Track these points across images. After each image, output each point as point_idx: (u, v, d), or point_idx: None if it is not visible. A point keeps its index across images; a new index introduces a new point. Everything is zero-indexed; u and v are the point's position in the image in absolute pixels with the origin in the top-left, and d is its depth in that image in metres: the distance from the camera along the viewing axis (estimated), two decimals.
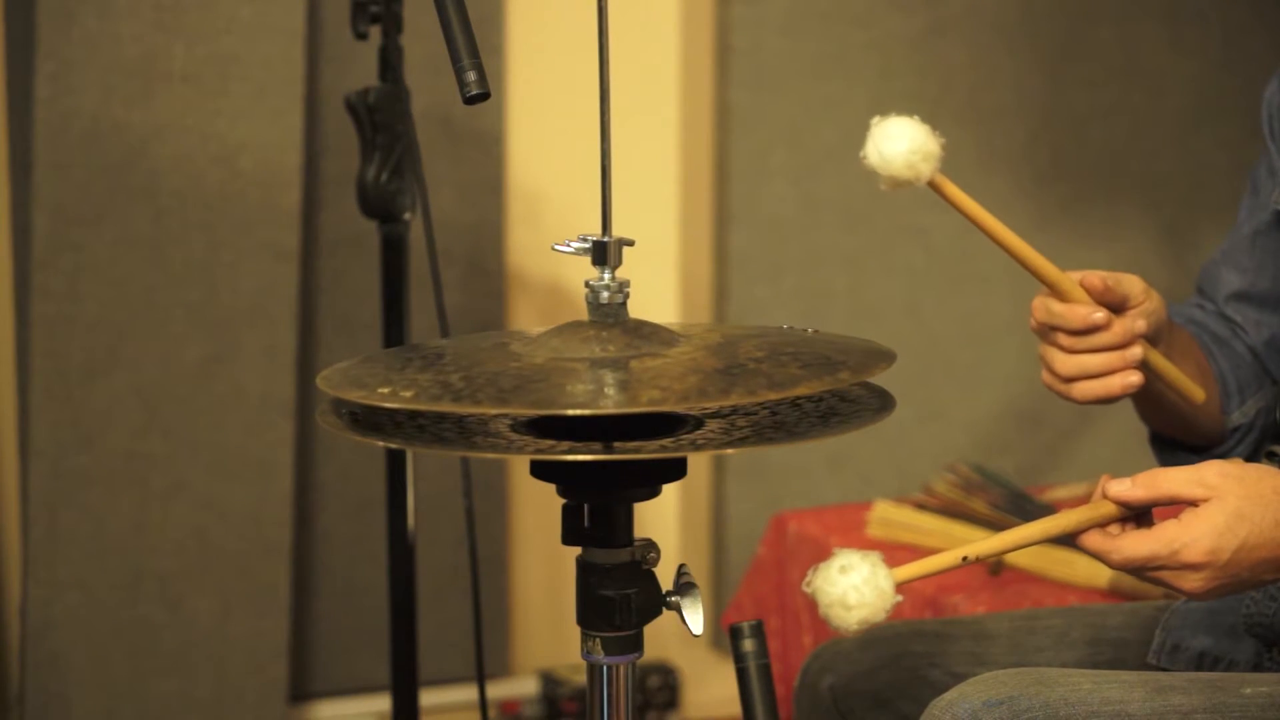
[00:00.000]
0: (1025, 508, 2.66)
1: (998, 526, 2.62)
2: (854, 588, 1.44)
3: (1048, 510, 2.64)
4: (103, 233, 2.81)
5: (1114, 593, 2.47)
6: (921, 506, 2.74)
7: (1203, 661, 1.79)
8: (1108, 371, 1.71)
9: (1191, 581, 1.50)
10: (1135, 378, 1.71)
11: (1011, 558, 2.55)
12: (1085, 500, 1.56)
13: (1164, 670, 1.78)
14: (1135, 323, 1.71)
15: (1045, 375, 1.75)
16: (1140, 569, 1.51)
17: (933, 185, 1.60)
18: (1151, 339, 1.74)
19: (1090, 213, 3.48)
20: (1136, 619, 1.87)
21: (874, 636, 1.88)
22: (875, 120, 1.57)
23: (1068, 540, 1.56)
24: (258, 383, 2.90)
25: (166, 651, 2.90)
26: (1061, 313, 1.70)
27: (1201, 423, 1.85)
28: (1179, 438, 1.89)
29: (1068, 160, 3.45)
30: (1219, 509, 1.49)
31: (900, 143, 1.56)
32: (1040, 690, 1.55)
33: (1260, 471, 1.51)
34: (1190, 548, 1.48)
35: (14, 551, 2.93)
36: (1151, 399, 1.82)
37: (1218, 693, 1.57)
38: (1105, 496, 1.53)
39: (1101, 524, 1.53)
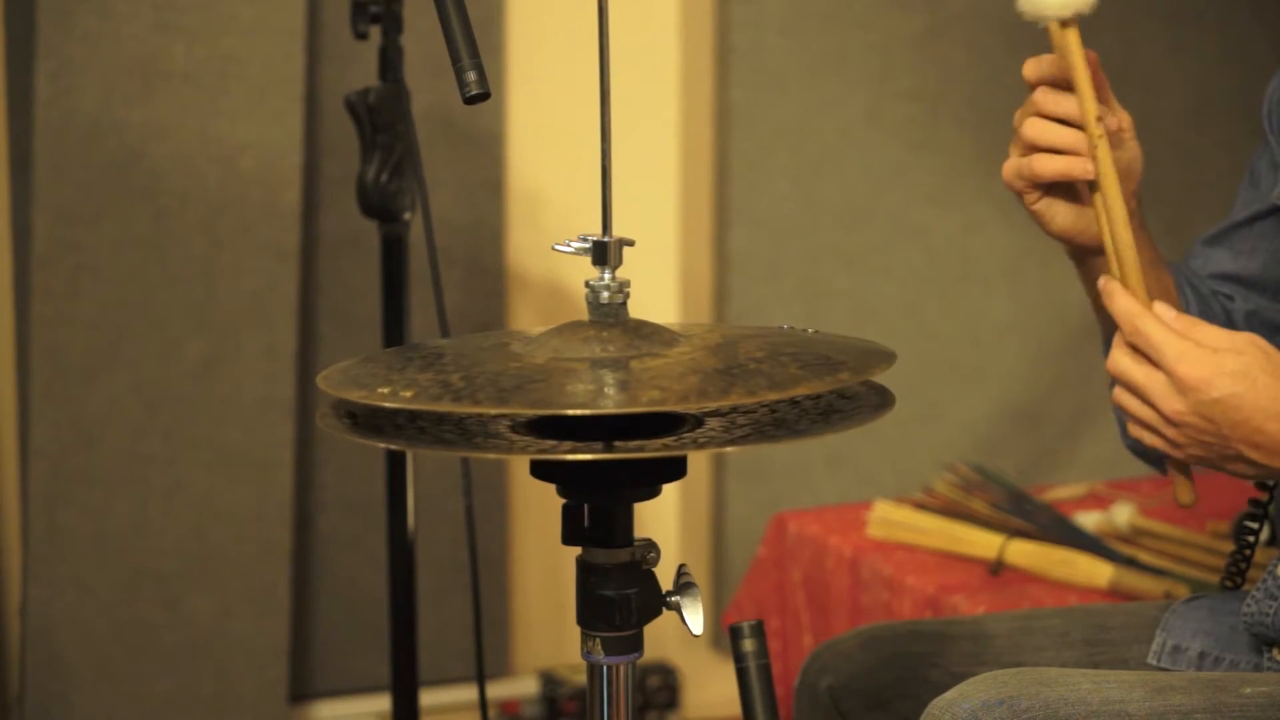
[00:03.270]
0: (1025, 508, 2.65)
1: (998, 526, 2.62)
2: None
3: (1048, 510, 2.64)
4: (103, 233, 2.81)
5: (1114, 593, 2.46)
6: (921, 506, 2.73)
7: (1203, 662, 1.79)
8: (1071, 151, 1.69)
9: (1173, 401, 1.51)
10: (1094, 169, 1.68)
11: (1011, 558, 2.54)
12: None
13: (1164, 670, 1.78)
14: (1110, 120, 1.70)
15: (1007, 166, 1.74)
16: (1145, 351, 1.52)
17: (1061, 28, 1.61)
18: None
19: None
20: (1136, 619, 1.86)
21: (874, 636, 1.88)
22: None
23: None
24: (258, 383, 2.90)
25: (166, 651, 2.90)
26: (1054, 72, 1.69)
27: None
28: None
29: None
30: (1234, 357, 1.50)
31: None
32: (1040, 690, 1.55)
33: None
34: (1189, 359, 1.50)
35: (14, 551, 2.93)
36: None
37: (1218, 693, 1.57)
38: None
39: None
